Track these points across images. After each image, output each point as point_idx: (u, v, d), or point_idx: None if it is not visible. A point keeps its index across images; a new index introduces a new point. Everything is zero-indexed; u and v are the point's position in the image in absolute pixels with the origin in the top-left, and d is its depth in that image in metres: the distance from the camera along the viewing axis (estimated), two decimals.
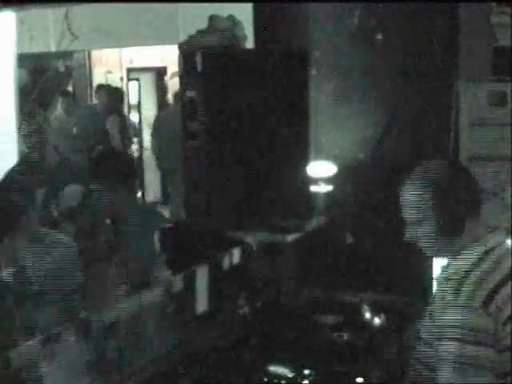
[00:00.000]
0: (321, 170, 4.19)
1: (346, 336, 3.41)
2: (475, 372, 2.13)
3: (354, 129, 4.25)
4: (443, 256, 2.43)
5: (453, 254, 2.33)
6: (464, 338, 2.13)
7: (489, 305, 2.14)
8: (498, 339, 2.13)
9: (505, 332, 2.15)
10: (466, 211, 2.29)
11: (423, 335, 2.37)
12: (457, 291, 2.19)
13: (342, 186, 4.20)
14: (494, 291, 2.17)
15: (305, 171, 4.17)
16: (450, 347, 2.16)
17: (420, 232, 2.34)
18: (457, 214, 2.28)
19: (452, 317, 2.17)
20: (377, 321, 3.52)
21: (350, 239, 4.28)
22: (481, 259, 2.25)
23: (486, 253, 2.27)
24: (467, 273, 2.22)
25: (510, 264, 2.27)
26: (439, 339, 2.21)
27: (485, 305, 2.14)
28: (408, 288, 3.75)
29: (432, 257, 2.57)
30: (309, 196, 4.20)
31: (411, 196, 2.34)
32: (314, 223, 4.15)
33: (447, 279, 2.29)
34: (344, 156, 4.26)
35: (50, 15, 8.76)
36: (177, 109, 8.39)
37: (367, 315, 3.57)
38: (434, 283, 2.55)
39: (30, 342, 2.56)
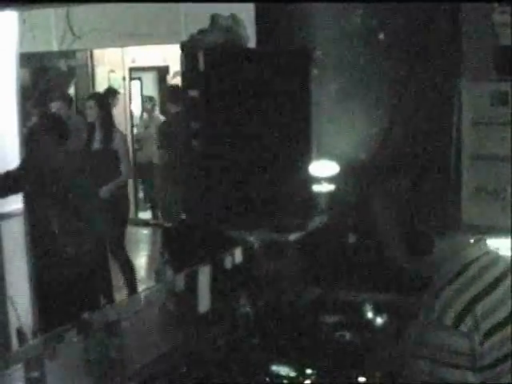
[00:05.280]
0: (323, 170, 4.18)
1: (347, 335, 3.41)
2: None
3: (356, 128, 4.25)
4: (422, 274, 2.31)
5: (430, 271, 2.23)
6: (434, 358, 2.03)
7: (462, 322, 2.02)
8: (475, 358, 2.01)
9: (485, 349, 2.02)
10: (433, 228, 2.18)
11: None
12: (430, 308, 2.09)
13: (345, 185, 4.19)
14: (469, 308, 2.04)
15: (307, 170, 4.17)
16: (420, 366, 2.06)
17: (391, 251, 2.29)
18: (422, 233, 2.18)
19: (424, 335, 2.07)
20: (379, 320, 3.52)
21: (352, 239, 4.28)
22: (458, 274, 2.14)
23: (465, 266, 2.15)
24: (441, 289, 2.12)
25: (492, 274, 2.15)
26: (412, 357, 2.11)
27: (457, 323, 2.02)
28: (410, 288, 3.75)
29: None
30: (311, 195, 4.20)
31: (379, 215, 2.30)
32: (316, 222, 4.15)
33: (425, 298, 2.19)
34: (346, 155, 4.25)
35: (52, 14, 8.77)
36: None
37: (369, 315, 3.57)
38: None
39: (31, 342, 2.57)
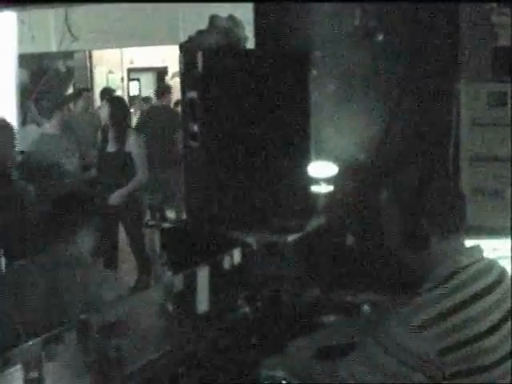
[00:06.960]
0: (321, 170, 4.18)
1: None
2: None
3: (355, 129, 4.25)
4: (415, 272, 2.31)
5: (421, 271, 2.23)
6: (389, 351, 2.05)
7: (430, 328, 2.01)
8: (434, 367, 2.00)
9: (446, 361, 2.00)
10: (432, 226, 2.15)
11: None
12: (409, 307, 2.10)
13: (343, 186, 4.20)
14: (443, 316, 2.03)
15: (305, 171, 4.17)
16: (375, 353, 2.09)
17: (391, 244, 2.28)
18: (420, 229, 2.16)
19: (395, 333, 2.05)
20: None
21: (350, 239, 4.28)
22: (445, 280, 2.12)
23: (453, 274, 2.13)
24: (426, 291, 2.13)
25: (478, 286, 2.12)
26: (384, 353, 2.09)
27: (425, 326, 2.01)
28: (409, 288, 3.75)
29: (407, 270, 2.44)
30: (309, 196, 4.20)
31: (384, 205, 2.30)
32: (314, 223, 4.15)
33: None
34: (345, 156, 4.25)
35: (51, 15, 8.78)
36: None
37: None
38: None
39: (30, 342, 2.57)
